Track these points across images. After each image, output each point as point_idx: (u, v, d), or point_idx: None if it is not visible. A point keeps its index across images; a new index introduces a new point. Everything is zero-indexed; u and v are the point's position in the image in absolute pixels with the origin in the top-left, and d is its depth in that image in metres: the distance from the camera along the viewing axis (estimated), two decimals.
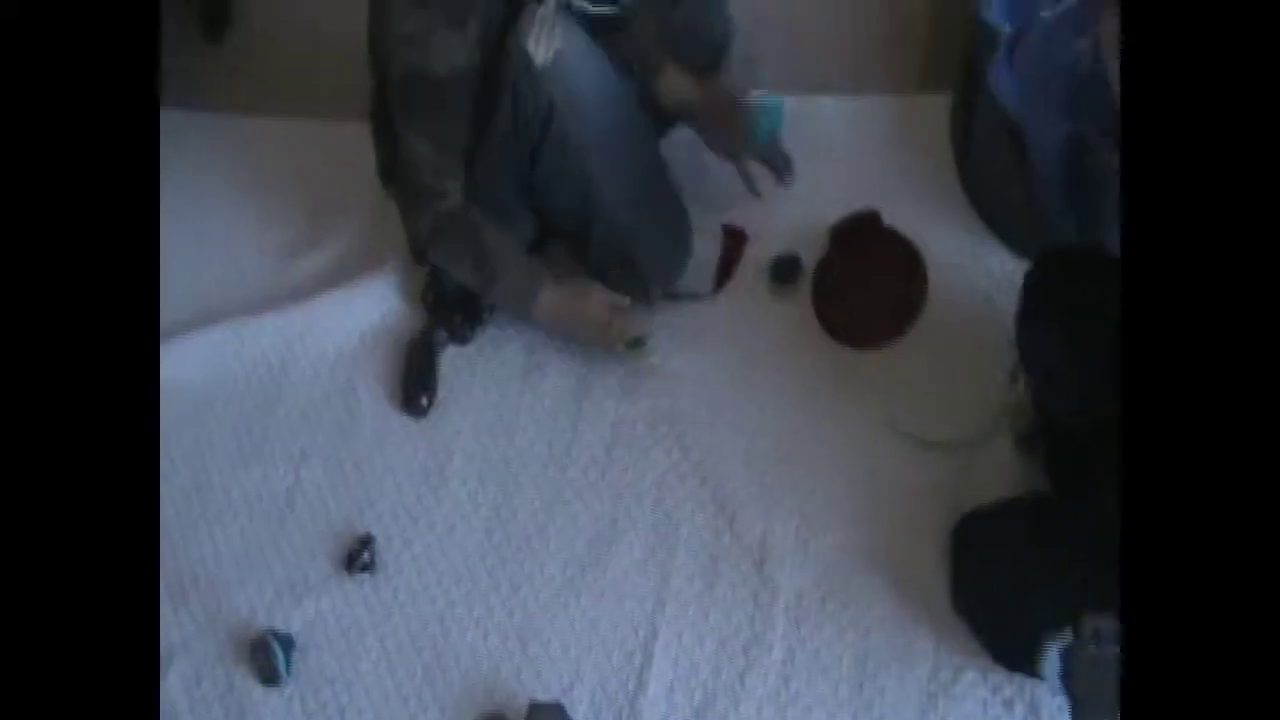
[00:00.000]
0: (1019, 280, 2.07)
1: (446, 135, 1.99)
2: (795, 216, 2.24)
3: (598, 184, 1.99)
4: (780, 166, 2.14)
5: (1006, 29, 2.14)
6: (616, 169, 2.01)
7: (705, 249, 2.20)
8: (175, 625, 2.01)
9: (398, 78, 1.96)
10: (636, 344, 2.10)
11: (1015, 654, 1.74)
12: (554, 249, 2.22)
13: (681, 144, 2.28)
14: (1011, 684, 1.77)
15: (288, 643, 1.98)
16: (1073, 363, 1.67)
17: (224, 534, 2.13)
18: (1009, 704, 1.76)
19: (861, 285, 2.16)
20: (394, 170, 2.11)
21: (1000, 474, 1.94)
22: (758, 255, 2.26)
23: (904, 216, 2.22)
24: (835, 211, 2.24)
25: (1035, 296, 1.75)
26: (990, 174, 2.20)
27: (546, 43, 1.85)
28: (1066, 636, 1.58)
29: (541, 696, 1.87)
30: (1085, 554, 1.55)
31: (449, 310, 2.24)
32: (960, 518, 1.85)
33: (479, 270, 2.05)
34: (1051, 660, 1.60)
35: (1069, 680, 1.57)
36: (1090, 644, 1.52)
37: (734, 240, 2.25)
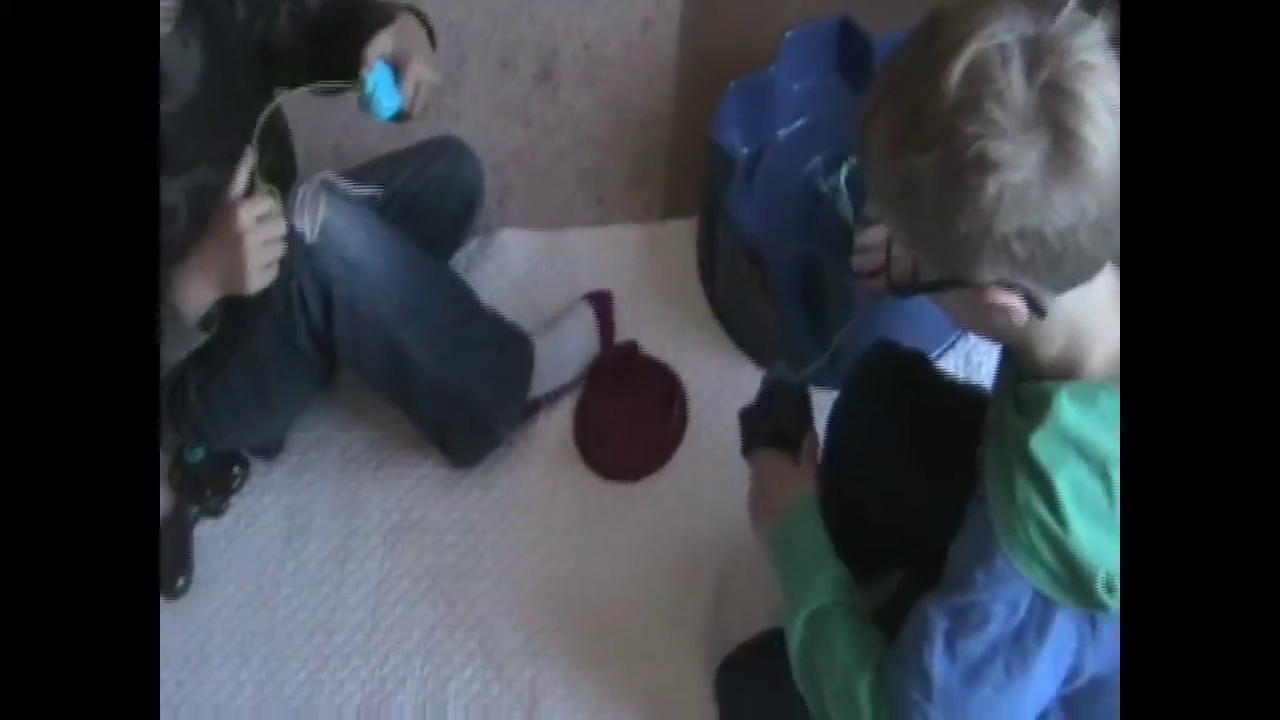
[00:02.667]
0: None
1: None
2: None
3: (401, 338, 1.93)
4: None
5: (744, 153, 2.20)
6: (418, 317, 1.95)
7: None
8: None
9: None
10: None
11: None
12: None
13: None
14: None
15: None
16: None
17: None
18: None
19: (624, 421, 2.17)
20: None
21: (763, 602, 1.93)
22: None
23: (658, 343, 2.25)
24: None
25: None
26: (736, 296, 2.23)
27: (311, 218, 1.77)
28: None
29: None
30: None
31: (199, 484, 2.19)
32: (724, 658, 1.85)
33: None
34: None
35: None
36: None
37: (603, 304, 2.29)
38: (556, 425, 2.20)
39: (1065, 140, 0.96)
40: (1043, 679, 1.19)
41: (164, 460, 2.24)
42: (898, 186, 1.03)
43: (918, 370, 1.68)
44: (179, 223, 1.82)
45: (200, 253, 1.66)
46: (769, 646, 1.78)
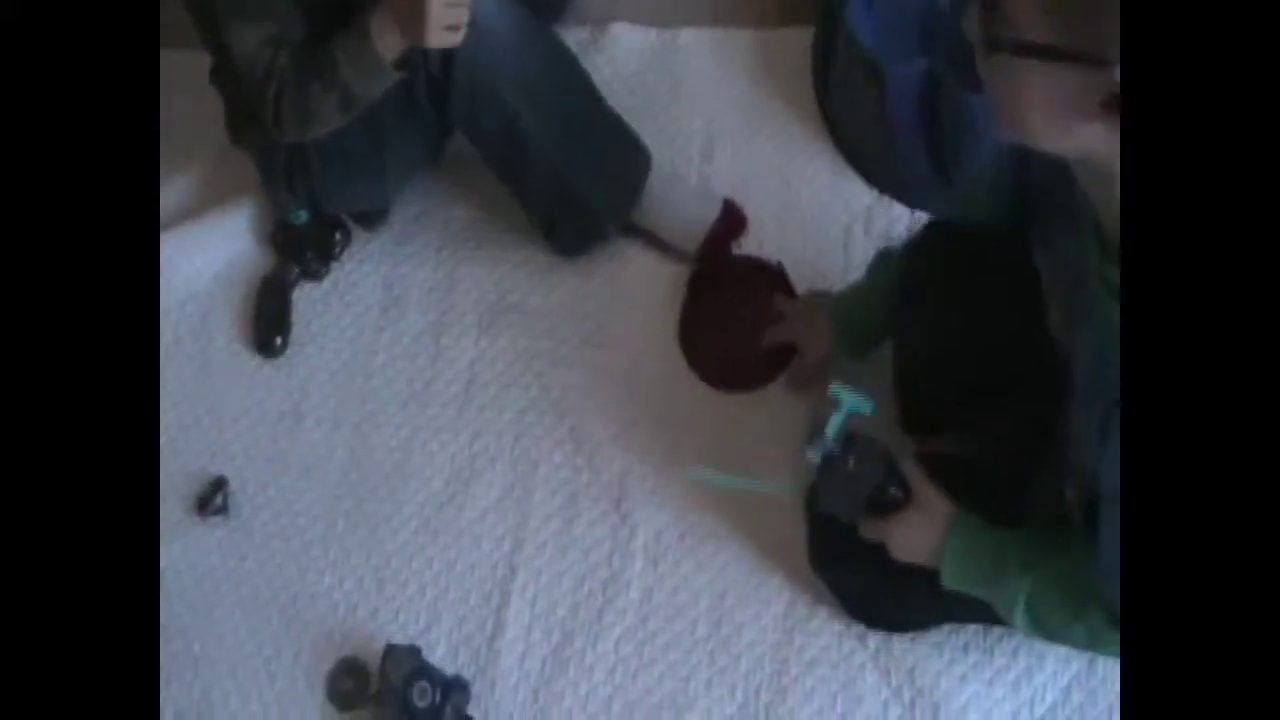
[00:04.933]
0: (876, 214, 2.12)
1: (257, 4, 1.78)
2: (659, 150, 2.14)
3: (519, 112, 1.92)
4: None
5: None
6: (538, 95, 1.94)
7: (705, 210, 2.12)
8: None
9: None
10: None
11: (874, 614, 1.78)
12: None
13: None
14: None
15: None
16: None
17: None
18: (862, 637, 1.79)
19: (726, 328, 2.07)
20: (239, 122, 2.03)
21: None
22: None
23: (765, 150, 2.22)
24: (695, 146, 2.24)
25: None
26: (849, 110, 2.20)
27: None
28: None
29: (398, 639, 1.86)
30: None
31: (301, 247, 2.19)
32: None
33: (329, 84, 1.78)
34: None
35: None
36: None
37: (732, 219, 2.13)
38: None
39: None
40: None
41: (268, 222, 2.25)
42: None
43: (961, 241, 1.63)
44: None
45: (392, 2, 1.72)
46: None
